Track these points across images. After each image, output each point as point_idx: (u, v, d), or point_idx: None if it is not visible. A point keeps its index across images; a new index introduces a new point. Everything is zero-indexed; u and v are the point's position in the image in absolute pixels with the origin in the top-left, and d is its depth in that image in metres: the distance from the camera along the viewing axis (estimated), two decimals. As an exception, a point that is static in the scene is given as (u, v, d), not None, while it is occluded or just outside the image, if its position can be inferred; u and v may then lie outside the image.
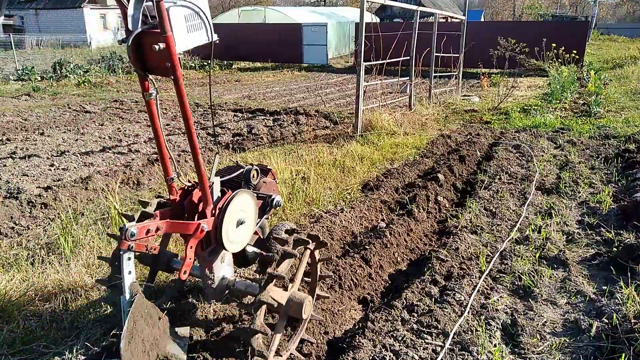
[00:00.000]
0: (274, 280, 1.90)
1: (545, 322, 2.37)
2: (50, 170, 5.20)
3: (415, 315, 2.38)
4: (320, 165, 4.92)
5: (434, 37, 8.56)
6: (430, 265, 2.87)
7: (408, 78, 8.08)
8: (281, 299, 1.94)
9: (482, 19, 38.86)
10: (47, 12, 35.94)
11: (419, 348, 2.13)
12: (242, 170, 2.34)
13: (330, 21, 21.26)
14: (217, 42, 1.94)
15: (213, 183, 2.09)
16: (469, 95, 10.31)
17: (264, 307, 1.88)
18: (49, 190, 4.42)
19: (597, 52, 21.60)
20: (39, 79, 13.91)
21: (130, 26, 1.57)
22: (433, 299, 2.53)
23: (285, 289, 2.01)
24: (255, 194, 2.25)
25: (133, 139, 6.73)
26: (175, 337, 1.94)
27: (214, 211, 2.03)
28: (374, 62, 7.39)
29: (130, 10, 1.53)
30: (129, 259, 1.71)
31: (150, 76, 1.80)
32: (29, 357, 2.12)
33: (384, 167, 5.10)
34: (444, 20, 17.29)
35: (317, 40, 18.91)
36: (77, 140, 6.64)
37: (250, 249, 2.37)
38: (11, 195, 4.25)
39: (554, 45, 11.55)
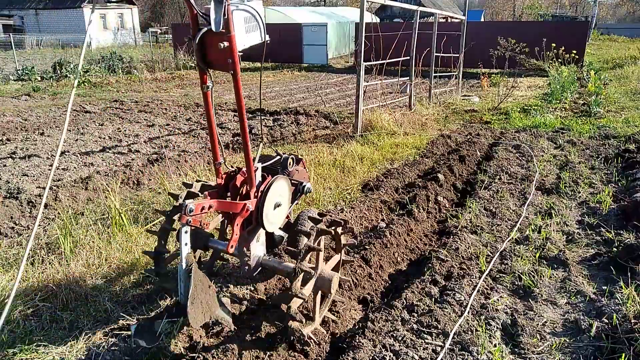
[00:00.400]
0: (311, 252, 2.10)
1: (545, 322, 2.37)
2: (50, 170, 5.20)
3: (415, 315, 2.38)
4: (320, 165, 4.92)
5: (434, 37, 8.56)
6: (430, 265, 2.87)
7: (408, 78, 8.07)
8: (314, 272, 2.17)
9: (482, 19, 38.86)
10: (47, 12, 35.94)
11: (419, 348, 2.13)
12: (279, 158, 2.58)
13: (330, 21, 21.27)
14: (269, 42, 2.13)
15: (257, 169, 2.29)
16: (469, 95, 10.31)
17: (302, 275, 2.07)
18: (49, 190, 4.42)
19: (597, 52, 21.60)
20: (39, 79, 13.92)
21: (213, 27, 1.78)
22: (433, 299, 2.53)
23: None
24: (290, 180, 2.47)
25: (133, 139, 6.73)
26: (221, 304, 2.18)
27: (256, 194, 2.27)
28: (374, 62, 7.39)
29: (212, 14, 1.75)
30: (186, 232, 1.93)
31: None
32: (29, 357, 2.12)
33: (384, 167, 5.10)
34: (444, 20, 17.30)
35: (317, 40, 18.91)
36: (77, 140, 6.64)
37: (278, 232, 2.60)
38: (11, 195, 4.25)
39: (554, 45, 11.56)
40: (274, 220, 2.35)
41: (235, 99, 1.98)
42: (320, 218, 2.26)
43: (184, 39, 2.01)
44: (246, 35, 2.00)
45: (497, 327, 2.30)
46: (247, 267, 2.32)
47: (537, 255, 3.04)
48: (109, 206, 3.50)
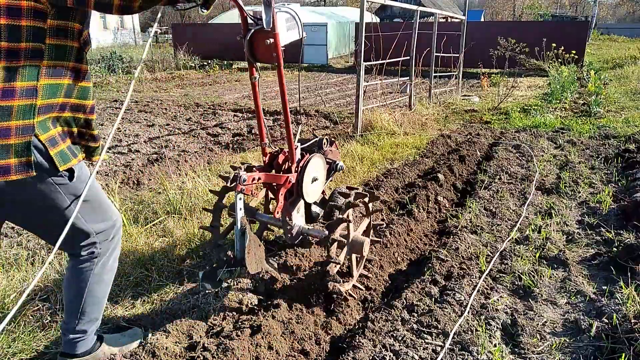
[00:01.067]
0: (342, 222, 2.45)
1: (545, 322, 2.37)
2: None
3: (415, 315, 2.38)
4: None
5: (434, 37, 8.56)
6: (430, 265, 2.88)
7: (408, 78, 8.07)
8: (347, 238, 2.52)
9: (482, 19, 38.86)
10: (47, 12, 35.91)
11: (419, 348, 2.13)
12: (315, 139, 2.94)
13: (330, 21, 21.27)
14: (305, 37, 2.54)
15: (297, 147, 2.63)
16: (469, 95, 10.31)
17: (336, 243, 2.42)
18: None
19: (597, 52, 21.60)
20: (39, 79, 13.91)
21: (265, 26, 2.13)
22: (433, 299, 2.53)
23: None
24: (325, 159, 2.82)
25: (133, 139, 6.74)
26: (269, 262, 2.71)
27: (296, 169, 2.59)
28: (374, 62, 7.39)
29: (264, 16, 2.12)
30: (240, 199, 2.26)
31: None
32: (29, 357, 2.12)
33: (384, 167, 5.11)
34: (444, 20, 17.30)
35: (317, 40, 18.92)
36: (77, 140, 6.65)
37: (315, 208, 2.96)
38: (11, 195, 4.25)
39: (554, 45, 11.55)
40: (311, 192, 2.68)
41: (279, 86, 2.37)
42: (349, 192, 2.65)
43: (237, 38, 2.30)
44: (287, 33, 2.37)
45: (497, 327, 2.30)
46: (289, 235, 2.68)
47: (537, 255, 3.04)
48: (109, 206, 3.50)
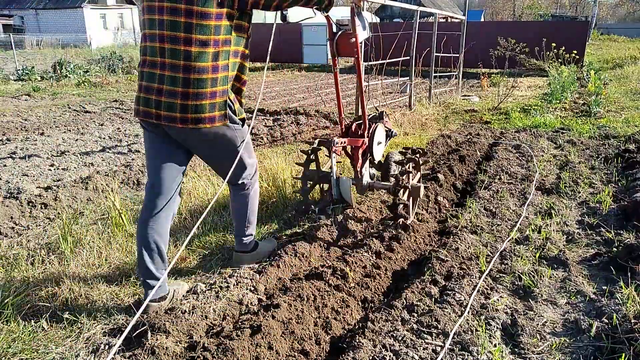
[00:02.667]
0: (405, 175, 3.30)
1: (545, 322, 2.37)
2: (50, 170, 5.21)
3: (415, 315, 2.38)
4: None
5: (434, 37, 8.56)
6: (430, 265, 2.87)
7: (408, 78, 8.07)
8: (408, 185, 3.34)
9: (482, 19, 38.85)
10: (47, 12, 35.94)
11: (419, 348, 2.13)
12: (377, 113, 3.83)
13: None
14: (371, 36, 3.25)
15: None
16: (469, 95, 10.31)
17: (402, 188, 3.27)
18: (49, 190, 4.42)
19: (597, 52, 21.60)
20: (39, 79, 13.92)
21: (361, 36, 3.12)
22: (433, 299, 2.53)
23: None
24: (384, 127, 3.68)
25: (133, 139, 6.74)
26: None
27: (367, 134, 3.44)
28: (374, 62, 7.39)
29: (357, 22, 3.07)
30: (334, 157, 3.24)
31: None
32: (29, 357, 2.12)
33: (384, 167, 5.10)
34: (444, 20, 17.30)
35: (317, 40, 18.89)
36: (77, 140, 6.65)
37: (371, 170, 3.74)
38: (11, 195, 4.25)
39: (554, 45, 11.55)
40: (377, 152, 3.58)
41: (356, 73, 3.37)
42: (405, 151, 3.61)
43: (326, 41, 2.84)
44: (362, 33, 3.13)
45: (497, 327, 2.30)
46: (360, 187, 3.52)
47: (537, 255, 3.04)
48: (109, 206, 3.50)
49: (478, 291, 2.60)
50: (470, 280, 2.70)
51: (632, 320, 2.24)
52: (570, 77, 10.01)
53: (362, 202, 3.89)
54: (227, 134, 2.33)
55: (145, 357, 2.05)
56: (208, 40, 2.13)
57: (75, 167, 5.33)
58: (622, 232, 3.32)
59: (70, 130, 7.23)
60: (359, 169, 3.46)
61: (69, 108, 9.26)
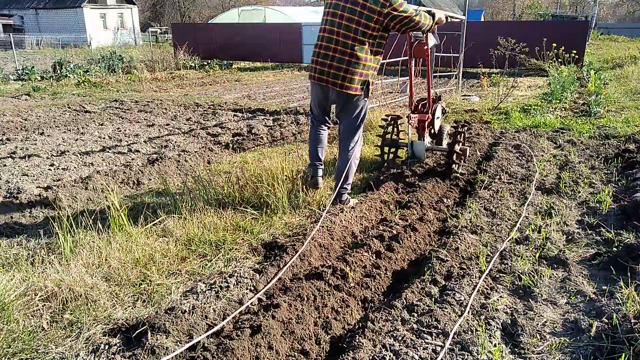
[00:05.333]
0: (458, 142, 4.51)
1: (545, 322, 2.37)
2: (50, 170, 5.20)
3: (415, 315, 2.38)
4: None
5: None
6: (430, 265, 2.87)
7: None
8: (458, 149, 4.52)
9: (482, 19, 38.81)
10: (47, 12, 35.92)
11: (419, 348, 2.13)
12: (437, 96, 4.99)
13: (330, 21, 21.22)
14: (438, 43, 4.55)
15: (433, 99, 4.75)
16: (469, 95, 10.31)
17: (455, 151, 4.48)
18: (49, 190, 4.42)
19: (597, 52, 21.59)
20: (39, 78, 13.92)
21: (430, 43, 4.31)
22: (433, 299, 2.53)
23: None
24: (441, 106, 4.97)
25: (133, 139, 6.74)
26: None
27: (430, 111, 4.70)
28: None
29: (431, 37, 4.30)
30: (410, 127, 4.65)
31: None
32: (29, 357, 2.12)
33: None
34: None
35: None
36: (77, 140, 6.64)
37: (427, 139, 4.85)
38: (11, 195, 4.25)
39: (554, 45, 11.53)
40: (436, 125, 4.84)
41: (426, 69, 4.70)
42: (457, 124, 4.89)
43: (405, 46, 4.45)
44: (431, 40, 4.33)
45: (497, 327, 2.30)
46: (425, 149, 4.83)
47: (537, 255, 3.04)
48: (109, 206, 3.50)
49: (478, 291, 2.60)
50: (470, 280, 2.70)
51: (632, 320, 2.24)
52: (570, 77, 10.00)
53: (362, 202, 3.89)
54: (358, 102, 3.62)
55: (145, 357, 2.05)
56: (365, 40, 3.45)
57: (75, 167, 5.33)
58: (622, 232, 3.32)
59: (70, 130, 7.23)
60: (424, 136, 4.71)
61: (69, 108, 9.26)
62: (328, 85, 3.54)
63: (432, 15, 3.74)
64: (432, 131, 4.84)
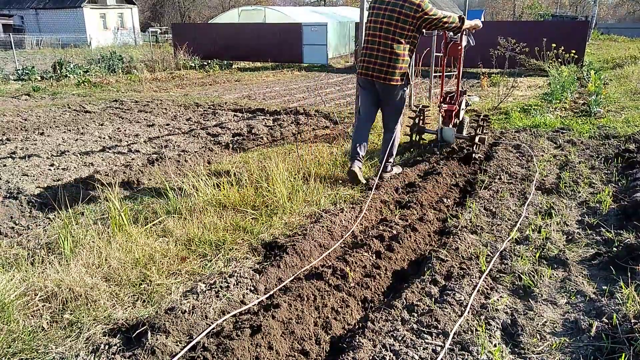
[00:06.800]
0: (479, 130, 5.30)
1: (545, 322, 2.37)
2: (50, 170, 5.20)
3: (415, 315, 2.38)
4: (321, 165, 4.92)
5: (434, 37, 8.55)
6: (430, 265, 2.87)
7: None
8: (477, 137, 5.15)
9: (482, 19, 38.79)
10: (47, 12, 35.93)
11: (418, 348, 2.13)
12: (463, 90, 5.47)
13: (330, 21, 21.25)
14: (473, 44, 5.05)
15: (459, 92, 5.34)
16: (469, 95, 10.30)
17: (477, 138, 5.12)
18: (49, 190, 4.42)
19: (597, 52, 21.58)
20: (39, 78, 13.92)
21: (463, 43, 5.03)
22: (433, 299, 2.53)
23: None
24: (466, 99, 5.58)
25: (133, 139, 6.74)
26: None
27: (457, 103, 5.28)
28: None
29: (467, 38, 5.06)
30: (441, 116, 5.35)
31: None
32: (29, 357, 2.12)
33: (384, 167, 5.09)
34: (444, 20, 17.24)
35: (317, 40, 18.89)
36: (77, 140, 6.64)
37: (452, 129, 5.35)
38: (11, 195, 4.25)
39: (554, 45, 11.52)
40: (461, 115, 5.51)
41: (457, 66, 5.22)
42: (478, 117, 5.61)
43: (442, 47, 5.20)
44: (465, 41, 4.95)
45: (497, 327, 2.30)
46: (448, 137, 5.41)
47: (537, 255, 3.04)
48: (109, 206, 3.50)
49: (478, 291, 2.60)
50: (470, 280, 2.70)
51: (632, 320, 2.24)
52: (570, 77, 10.00)
53: (362, 202, 3.89)
54: (399, 92, 4.34)
55: (145, 357, 2.05)
56: (401, 40, 4.20)
57: (75, 167, 5.33)
58: (622, 232, 3.32)
59: (70, 130, 7.23)
60: (450, 124, 5.29)
61: (69, 108, 9.26)
62: (373, 79, 4.27)
63: (462, 19, 4.39)
64: (457, 121, 5.41)
